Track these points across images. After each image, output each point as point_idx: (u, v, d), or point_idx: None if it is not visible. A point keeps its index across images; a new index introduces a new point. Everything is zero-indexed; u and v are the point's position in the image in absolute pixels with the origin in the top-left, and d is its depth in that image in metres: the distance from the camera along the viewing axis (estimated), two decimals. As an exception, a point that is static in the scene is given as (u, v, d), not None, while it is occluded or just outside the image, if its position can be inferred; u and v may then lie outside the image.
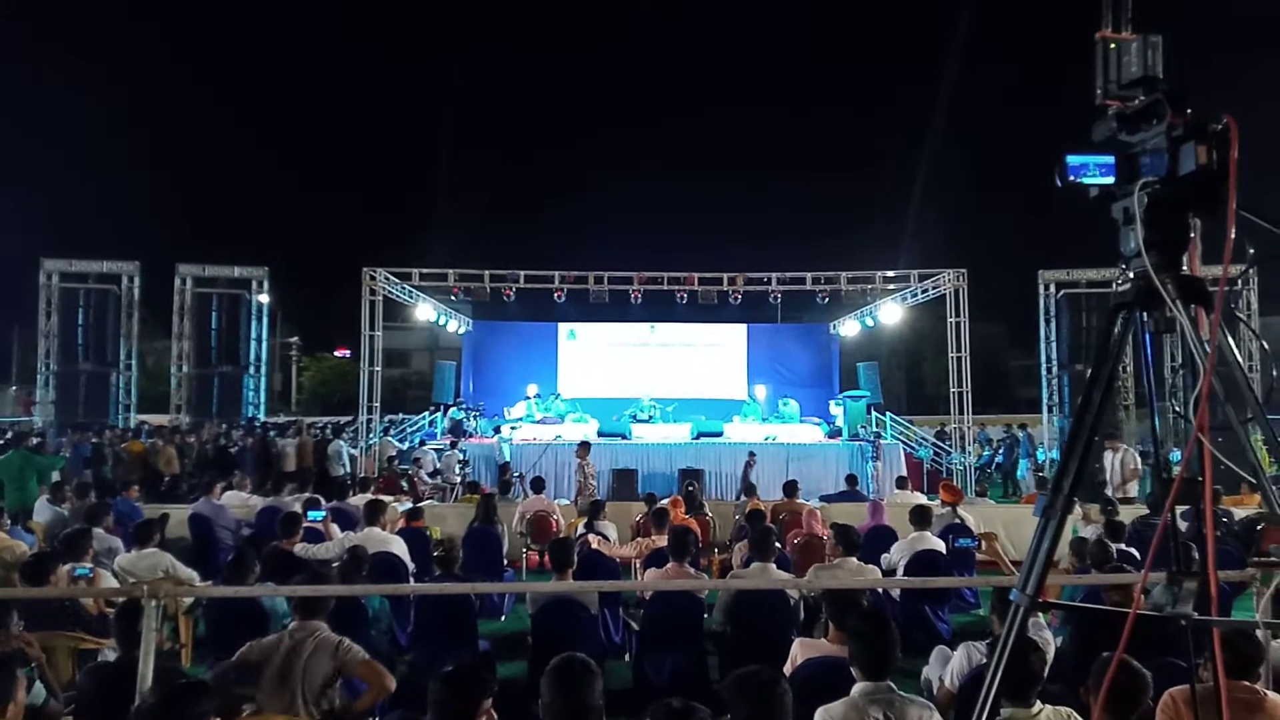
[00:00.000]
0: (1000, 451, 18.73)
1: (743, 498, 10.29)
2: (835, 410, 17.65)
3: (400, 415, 21.70)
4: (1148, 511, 8.03)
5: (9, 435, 15.02)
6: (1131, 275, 1.78)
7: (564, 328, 20.72)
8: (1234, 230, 1.59)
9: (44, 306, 18.11)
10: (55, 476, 10.25)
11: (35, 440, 12.24)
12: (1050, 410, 18.80)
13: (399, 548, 6.79)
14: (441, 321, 19.12)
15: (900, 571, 6.76)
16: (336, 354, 44.83)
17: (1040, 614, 4.46)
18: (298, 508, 7.91)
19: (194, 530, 8.38)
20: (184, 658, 5.86)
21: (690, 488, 10.84)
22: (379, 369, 15.68)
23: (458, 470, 13.97)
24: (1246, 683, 3.03)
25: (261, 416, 19.85)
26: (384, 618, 5.77)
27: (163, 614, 3.58)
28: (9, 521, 7.59)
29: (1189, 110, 1.68)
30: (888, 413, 18.53)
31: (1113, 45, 1.80)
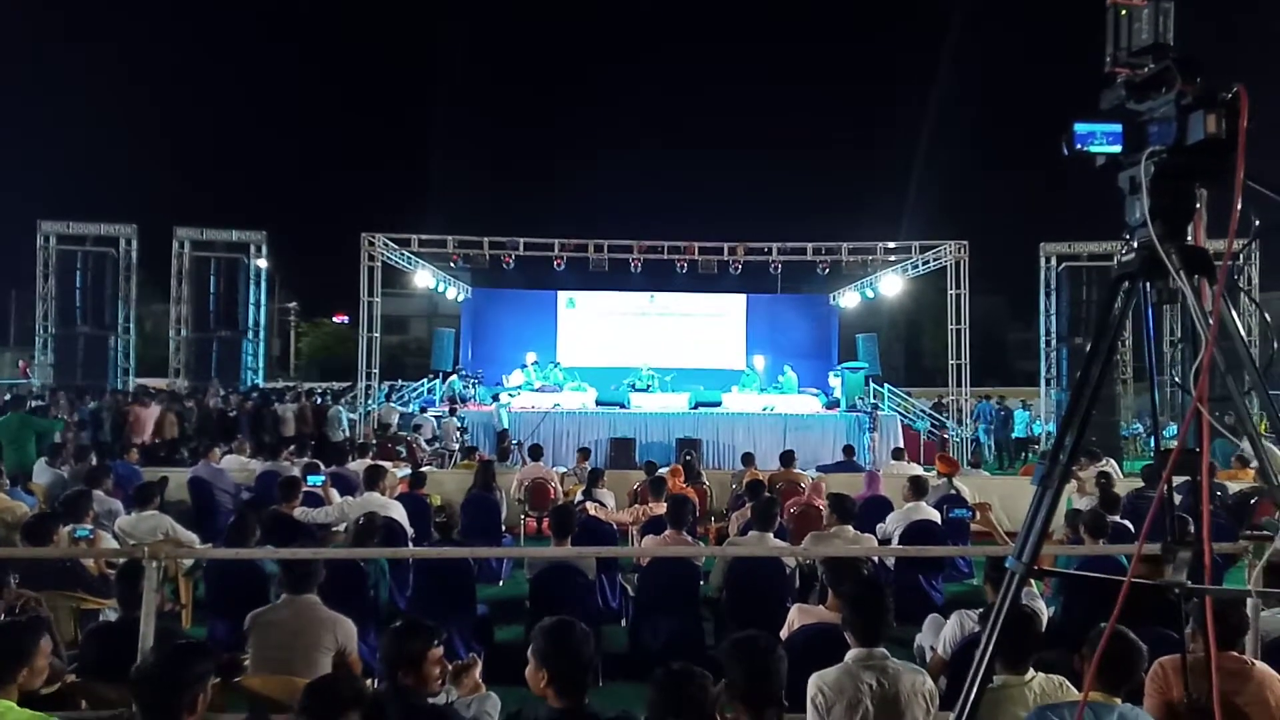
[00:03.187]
0: (994, 424, 18.73)
1: (740, 467, 10.32)
2: (834, 381, 17.66)
3: (399, 381, 21.74)
4: (1143, 484, 8.09)
5: (8, 398, 15.03)
6: (1136, 245, 1.77)
7: (563, 296, 20.68)
8: (1240, 201, 1.58)
9: (42, 269, 18.05)
10: (56, 438, 10.27)
11: (35, 403, 12.26)
12: (1048, 383, 18.82)
13: (398, 513, 6.82)
14: (440, 288, 19.07)
15: (895, 541, 6.80)
16: (335, 320, 44.75)
17: (1034, 583, 4.51)
18: (297, 472, 7.94)
19: (193, 494, 8.42)
20: (184, 619, 5.90)
21: (688, 457, 10.91)
22: (378, 335, 15.69)
23: (456, 437, 14.02)
24: (1235, 653, 3.06)
25: (260, 381, 19.86)
26: (383, 582, 5.80)
27: (163, 575, 3.61)
28: (9, 483, 7.61)
29: (1199, 78, 1.66)
30: (886, 384, 18.55)
31: (1123, 11, 1.78)
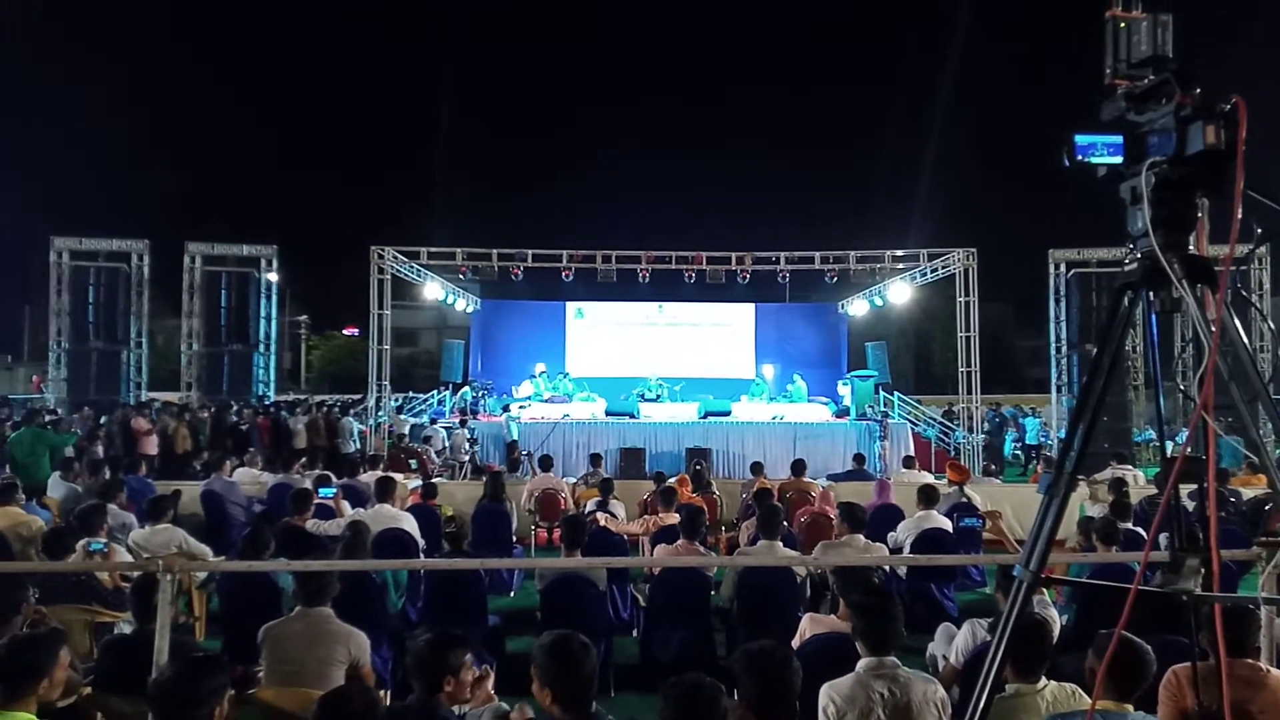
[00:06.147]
0: (989, 430, 18.58)
1: (750, 476, 10.31)
2: (843, 390, 17.64)
3: (410, 393, 21.81)
4: (1155, 491, 8.04)
5: (24, 413, 15.15)
6: (1138, 255, 1.79)
7: (572, 307, 20.73)
8: (1240, 210, 1.60)
9: (55, 285, 18.19)
10: (69, 453, 10.34)
11: (49, 418, 12.35)
12: (1059, 390, 18.74)
13: (409, 524, 6.84)
14: (449, 300, 19.15)
15: (906, 550, 6.78)
16: (345, 332, 44.97)
17: (1046, 592, 4.49)
18: (309, 484, 7.97)
19: (206, 507, 8.46)
20: (198, 631, 5.94)
21: (698, 466, 10.90)
22: (388, 347, 15.75)
23: (466, 448, 14.06)
24: (1249, 660, 3.05)
25: (271, 395, 19.96)
26: (393, 593, 5.82)
27: (177, 588, 3.63)
28: (24, 498, 7.67)
29: (1197, 90, 1.68)
30: (895, 392, 18.50)
31: (1122, 24, 1.80)
